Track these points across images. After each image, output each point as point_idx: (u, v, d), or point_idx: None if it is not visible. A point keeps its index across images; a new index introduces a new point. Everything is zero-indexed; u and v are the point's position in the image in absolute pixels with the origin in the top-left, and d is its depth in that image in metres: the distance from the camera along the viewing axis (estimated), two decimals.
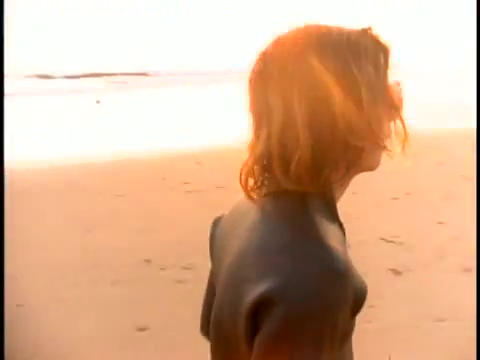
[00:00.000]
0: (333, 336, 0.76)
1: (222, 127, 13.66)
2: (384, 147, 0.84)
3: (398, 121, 0.86)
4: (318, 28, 0.83)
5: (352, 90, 0.80)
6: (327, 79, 0.79)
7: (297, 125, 0.79)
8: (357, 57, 0.81)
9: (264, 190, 0.86)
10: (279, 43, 0.84)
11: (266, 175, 0.85)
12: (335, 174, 0.83)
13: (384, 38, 0.84)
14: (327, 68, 0.79)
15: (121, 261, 4.99)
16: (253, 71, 0.85)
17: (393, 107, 0.85)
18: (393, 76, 0.85)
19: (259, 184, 0.86)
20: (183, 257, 4.96)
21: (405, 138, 0.86)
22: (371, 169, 0.89)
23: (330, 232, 0.82)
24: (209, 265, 1.09)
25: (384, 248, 5.19)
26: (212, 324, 0.89)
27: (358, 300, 0.78)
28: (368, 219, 6.08)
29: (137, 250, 5.25)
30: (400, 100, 0.86)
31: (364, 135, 0.81)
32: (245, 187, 0.87)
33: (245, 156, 0.86)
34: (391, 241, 5.32)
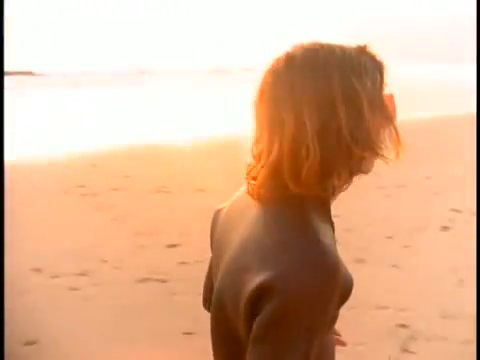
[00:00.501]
0: (324, 322, 0.88)
1: (116, 129, 13.34)
2: (382, 155, 0.94)
3: (392, 129, 0.95)
4: (322, 47, 0.93)
5: (355, 104, 0.90)
6: (333, 95, 0.89)
7: (307, 137, 0.88)
8: (358, 74, 0.91)
9: (269, 192, 0.95)
10: (288, 62, 0.92)
11: (274, 180, 0.93)
12: (339, 180, 0.94)
13: (378, 56, 0.95)
14: (333, 85, 0.89)
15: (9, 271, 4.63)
16: (264, 87, 0.94)
17: (388, 118, 0.94)
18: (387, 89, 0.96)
19: (267, 187, 0.95)
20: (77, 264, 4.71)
21: (399, 144, 0.95)
22: (367, 173, 0.98)
23: (323, 230, 0.92)
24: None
25: None
26: (213, 304, 1.01)
27: (346, 291, 0.90)
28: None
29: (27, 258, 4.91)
30: (394, 111, 0.96)
31: (366, 144, 0.91)
32: (253, 189, 0.98)
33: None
34: None
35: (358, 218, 6.12)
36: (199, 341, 3.48)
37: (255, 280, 0.88)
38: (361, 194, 7.27)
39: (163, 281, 4.36)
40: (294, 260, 0.87)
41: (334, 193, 0.98)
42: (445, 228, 5.78)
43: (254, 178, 0.98)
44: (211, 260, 1.20)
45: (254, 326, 0.89)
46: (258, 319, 0.88)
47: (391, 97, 0.97)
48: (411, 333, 3.53)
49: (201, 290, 1.31)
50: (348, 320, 3.72)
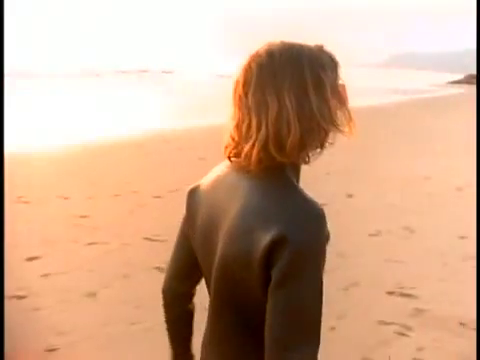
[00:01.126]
0: (324, 260, 1.09)
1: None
2: (341, 129, 1.16)
3: (345, 110, 1.17)
4: (293, 45, 1.16)
5: (321, 90, 1.13)
6: (306, 83, 1.13)
7: (289, 117, 1.11)
8: (322, 67, 1.15)
9: (259, 164, 1.13)
10: (270, 57, 1.13)
11: (263, 153, 1.12)
12: (312, 150, 1.17)
13: (332, 53, 1.19)
14: (305, 75, 1.13)
15: None
16: (250, 77, 1.14)
17: (343, 101, 1.18)
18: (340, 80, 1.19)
19: (257, 160, 1.12)
20: None
21: (351, 121, 1.18)
22: (328, 145, 1.18)
23: (301, 188, 1.16)
24: None
25: (148, 247, 5.16)
26: (217, 271, 1.17)
27: (328, 235, 1.11)
28: (131, 220, 6.01)
29: None
30: (346, 96, 1.19)
31: (330, 121, 1.14)
32: (244, 162, 1.15)
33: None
34: (155, 240, 5.32)
35: None
36: (63, 357, 3.33)
37: (266, 237, 1.07)
38: None
39: (22, 297, 4.07)
40: (295, 214, 1.09)
41: (307, 161, 1.19)
42: None
43: (237, 155, 1.18)
44: (182, 241, 1.37)
45: (273, 275, 1.07)
46: (276, 268, 1.06)
47: (344, 86, 1.19)
48: None
49: None
50: None
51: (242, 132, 1.15)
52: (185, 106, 21.96)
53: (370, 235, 5.66)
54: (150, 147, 11.01)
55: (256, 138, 1.12)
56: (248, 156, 1.14)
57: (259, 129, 1.12)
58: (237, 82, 1.17)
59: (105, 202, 6.64)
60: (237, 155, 1.19)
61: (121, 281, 4.37)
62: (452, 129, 17.19)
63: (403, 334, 3.63)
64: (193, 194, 1.34)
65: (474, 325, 3.79)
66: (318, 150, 1.17)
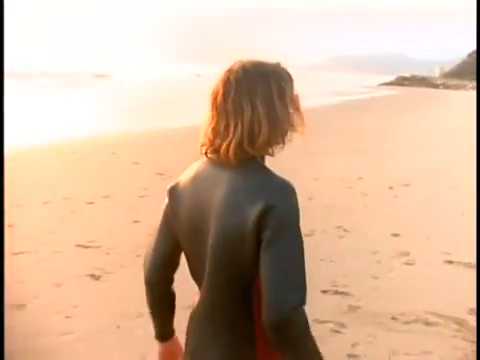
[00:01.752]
0: (299, 222, 1.39)
1: None
2: (296, 129, 1.47)
3: (299, 114, 1.47)
4: (259, 62, 1.47)
5: (283, 98, 1.44)
6: (272, 92, 1.43)
7: (259, 119, 1.40)
8: (284, 80, 1.46)
9: (237, 157, 1.41)
10: (244, 72, 1.43)
11: (239, 148, 1.40)
12: (276, 145, 1.45)
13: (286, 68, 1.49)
14: (271, 86, 1.43)
15: None
16: (226, 86, 1.43)
17: (298, 107, 1.48)
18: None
19: (235, 154, 1.40)
20: None
21: (303, 123, 1.48)
22: (286, 142, 1.47)
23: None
24: None
25: (81, 254, 5.00)
26: (213, 248, 1.42)
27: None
28: (62, 227, 5.81)
29: None
30: (299, 103, 1.49)
31: (288, 122, 1.45)
32: (223, 157, 1.42)
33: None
34: (88, 246, 5.17)
35: None
36: None
37: (254, 210, 1.36)
38: (163, 198, 7.33)
39: None
40: (274, 189, 1.39)
41: (272, 154, 1.47)
42: None
43: (214, 152, 1.45)
44: (164, 230, 1.60)
45: (264, 237, 1.35)
46: (266, 231, 1.35)
47: (297, 95, 1.49)
48: None
49: None
50: (151, 324, 3.69)
51: (219, 132, 1.43)
52: (119, 110, 21.60)
53: (305, 235, 5.66)
54: (82, 153, 10.73)
55: (233, 136, 1.41)
56: (226, 151, 1.42)
57: (236, 128, 1.41)
58: (217, 91, 1.45)
59: (33, 210, 6.40)
60: (214, 152, 1.46)
61: (52, 290, 4.21)
62: (385, 129, 17.76)
63: (338, 331, 3.68)
64: (174, 191, 1.58)
65: (405, 319, 3.89)
66: (280, 145, 1.47)
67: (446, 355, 3.44)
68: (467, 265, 5.09)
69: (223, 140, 1.41)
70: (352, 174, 9.30)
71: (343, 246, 5.56)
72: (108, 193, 7.28)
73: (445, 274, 4.90)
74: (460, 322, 3.86)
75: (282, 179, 1.42)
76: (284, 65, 1.51)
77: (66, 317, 3.75)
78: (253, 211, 1.36)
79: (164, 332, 1.81)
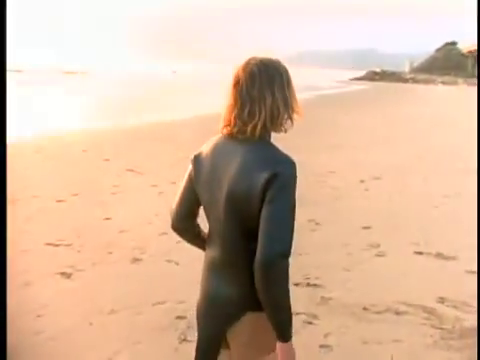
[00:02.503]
0: (295, 190, 1.73)
1: None
2: (297, 113, 1.85)
3: (296, 104, 1.85)
4: (272, 59, 1.85)
5: (291, 88, 1.84)
6: (284, 83, 1.82)
7: (278, 105, 1.79)
8: (287, 74, 1.85)
9: (255, 135, 1.80)
10: (264, 65, 1.82)
11: (263, 128, 1.79)
12: (287, 125, 1.84)
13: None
14: (283, 78, 1.83)
15: None
16: (251, 78, 1.80)
17: (295, 98, 1.85)
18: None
19: (255, 132, 1.79)
20: None
21: (300, 113, 1.87)
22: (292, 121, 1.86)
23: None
24: None
25: (51, 253, 4.93)
26: (227, 202, 1.79)
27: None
28: (30, 226, 5.72)
29: None
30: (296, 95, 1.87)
31: (294, 107, 1.84)
32: (251, 133, 1.80)
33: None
34: (58, 245, 5.09)
35: (132, 218, 6.09)
36: None
37: (262, 176, 1.71)
38: (135, 195, 7.28)
39: None
40: (279, 161, 1.76)
41: (285, 131, 1.86)
42: None
43: (235, 130, 1.82)
44: (189, 186, 1.95)
45: (266, 197, 1.70)
46: (268, 193, 1.70)
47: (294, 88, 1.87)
48: (189, 323, 3.61)
49: None
50: (124, 321, 3.67)
51: (242, 115, 1.80)
52: (89, 107, 21.34)
53: None
54: (52, 150, 10.58)
55: (259, 119, 1.79)
56: (253, 131, 1.79)
57: (260, 113, 1.79)
58: (241, 83, 1.81)
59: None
60: (235, 130, 1.83)
61: (21, 290, 4.14)
62: (355, 124, 17.94)
63: (310, 323, 3.71)
64: (197, 159, 1.95)
65: (376, 309, 3.95)
66: (289, 124, 1.85)
67: (416, 342, 3.51)
68: (437, 255, 5.18)
69: (249, 122, 1.80)
70: (323, 168, 9.37)
71: (315, 239, 5.60)
72: (78, 191, 7.19)
73: (415, 265, 4.98)
74: (429, 310, 3.93)
75: (285, 154, 1.80)
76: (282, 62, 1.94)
77: (37, 316, 3.70)
78: (261, 177, 1.73)
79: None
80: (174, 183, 7.82)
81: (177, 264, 4.73)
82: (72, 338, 3.46)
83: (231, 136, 1.85)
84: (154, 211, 6.28)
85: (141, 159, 9.73)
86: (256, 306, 1.80)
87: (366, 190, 8.08)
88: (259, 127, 1.78)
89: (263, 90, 1.79)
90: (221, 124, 1.86)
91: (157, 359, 3.26)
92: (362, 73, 77.67)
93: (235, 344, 1.91)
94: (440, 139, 14.89)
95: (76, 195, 6.99)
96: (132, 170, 8.56)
